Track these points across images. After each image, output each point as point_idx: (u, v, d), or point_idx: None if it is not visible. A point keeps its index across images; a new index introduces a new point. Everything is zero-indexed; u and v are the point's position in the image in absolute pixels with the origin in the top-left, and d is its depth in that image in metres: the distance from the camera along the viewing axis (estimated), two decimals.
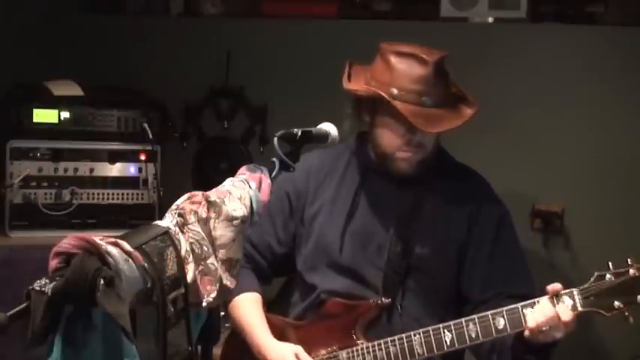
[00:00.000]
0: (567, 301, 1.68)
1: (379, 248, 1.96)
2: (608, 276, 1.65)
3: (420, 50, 1.88)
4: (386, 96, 1.83)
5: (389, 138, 1.92)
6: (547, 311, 1.67)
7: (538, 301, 1.70)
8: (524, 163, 2.92)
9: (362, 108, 1.96)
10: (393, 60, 1.87)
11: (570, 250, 2.93)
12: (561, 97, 2.89)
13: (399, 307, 1.94)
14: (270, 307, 2.10)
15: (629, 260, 1.65)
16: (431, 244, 1.95)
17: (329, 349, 1.93)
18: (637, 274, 1.63)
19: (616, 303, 1.64)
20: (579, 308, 1.67)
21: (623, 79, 2.81)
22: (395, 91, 1.84)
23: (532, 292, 1.87)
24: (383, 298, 1.92)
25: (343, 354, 1.91)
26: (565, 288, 1.73)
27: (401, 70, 1.85)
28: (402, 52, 1.88)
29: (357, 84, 1.95)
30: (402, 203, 1.97)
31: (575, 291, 1.68)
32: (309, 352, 1.93)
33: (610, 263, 1.67)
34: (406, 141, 1.89)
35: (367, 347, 1.89)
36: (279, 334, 1.97)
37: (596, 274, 1.67)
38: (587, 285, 1.67)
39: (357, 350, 1.90)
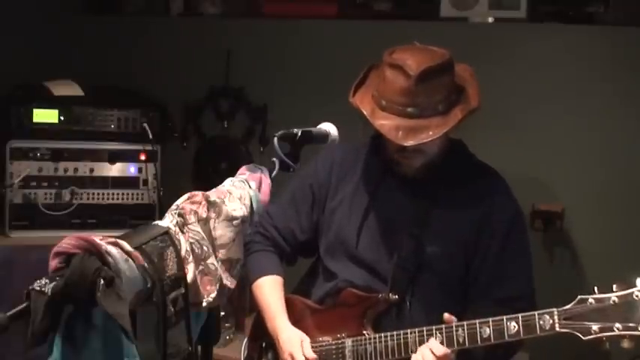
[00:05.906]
0: (546, 320, 1.69)
1: (393, 246, 2.02)
2: (590, 300, 1.64)
3: (411, 59, 1.89)
4: (365, 112, 1.92)
5: (387, 143, 1.98)
6: (434, 347, 1.81)
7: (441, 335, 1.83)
8: (524, 162, 2.91)
9: None
10: (386, 70, 1.93)
11: (570, 250, 2.92)
12: (561, 97, 2.89)
13: (408, 303, 2.00)
14: (299, 285, 2.24)
15: (614, 286, 1.63)
16: (442, 245, 1.99)
17: (338, 335, 2.03)
18: (617, 301, 1.61)
19: (594, 328, 1.63)
20: (557, 328, 1.68)
21: (623, 79, 2.80)
22: (384, 102, 1.91)
23: (524, 298, 1.93)
24: (390, 294, 1.98)
25: (349, 342, 2.00)
26: (563, 289, 1.73)
27: (388, 81, 1.91)
28: (393, 63, 1.91)
29: (362, 93, 2.01)
30: (416, 203, 2.02)
31: (555, 311, 1.69)
32: (321, 336, 2.04)
33: (595, 288, 1.66)
34: (399, 148, 1.90)
35: (370, 338, 1.97)
36: (298, 315, 2.09)
37: (579, 297, 1.66)
38: (568, 307, 1.67)
39: (361, 340, 1.98)
